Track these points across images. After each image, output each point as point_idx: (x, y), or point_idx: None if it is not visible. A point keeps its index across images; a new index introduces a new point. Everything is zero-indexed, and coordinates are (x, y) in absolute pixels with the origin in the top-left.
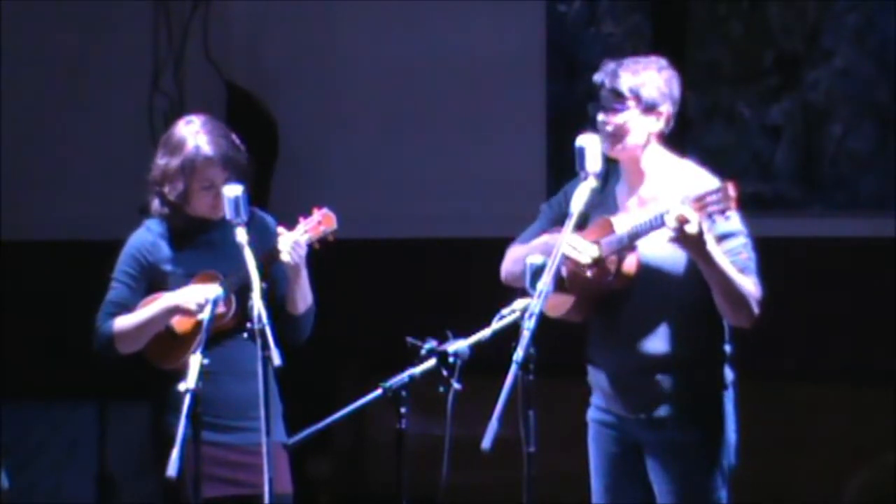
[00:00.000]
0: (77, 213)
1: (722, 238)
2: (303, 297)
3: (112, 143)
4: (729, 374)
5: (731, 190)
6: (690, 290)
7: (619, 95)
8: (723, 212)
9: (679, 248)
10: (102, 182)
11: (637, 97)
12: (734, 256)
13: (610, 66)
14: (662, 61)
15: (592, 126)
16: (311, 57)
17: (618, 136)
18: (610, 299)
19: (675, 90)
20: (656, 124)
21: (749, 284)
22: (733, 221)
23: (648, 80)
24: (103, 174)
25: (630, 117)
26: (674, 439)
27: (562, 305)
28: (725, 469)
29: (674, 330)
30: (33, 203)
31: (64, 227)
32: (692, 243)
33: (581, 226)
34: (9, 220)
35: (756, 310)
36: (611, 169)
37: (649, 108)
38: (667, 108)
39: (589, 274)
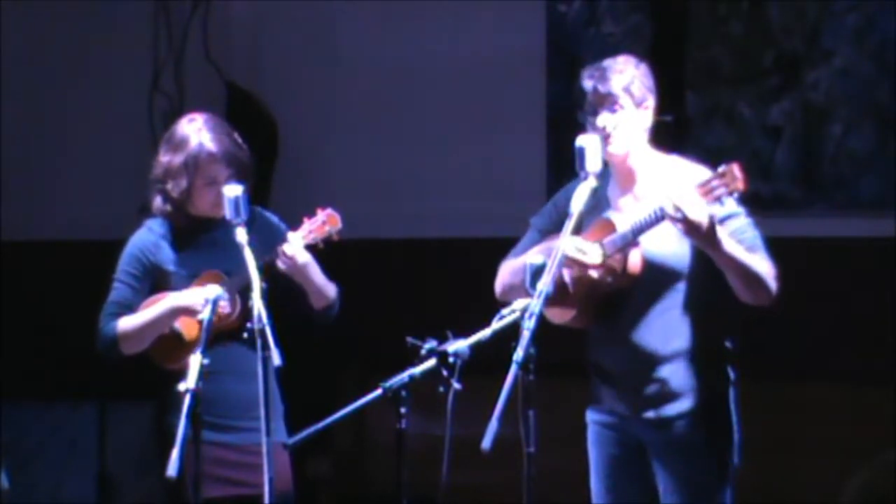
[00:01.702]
0: (77, 213)
1: (725, 220)
2: (317, 295)
3: (112, 143)
4: (731, 373)
5: (738, 170)
6: (694, 286)
7: (612, 96)
8: (731, 193)
9: (687, 240)
10: (102, 182)
11: (630, 94)
12: (741, 235)
13: (595, 71)
14: (634, 57)
15: (585, 132)
16: (311, 57)
17: (617, 136)
18: (612, 298)
19: (653, 83)
20: (647, 118)
21: (762, 262)
22: (730, 204)
23: (634, 76)
24: (103, 174)
25: (627, 115)
26: (679, 439)
27: (565, 313)
28: (730, 469)
29: (677, 327)
30: (33, 203)
31: (64, 227)
32: (700, 232)
33: (576, 230)
34: (9, 220)
35: (773, 286)
36: (601, 172)
37: (639, 104)
38: (651, 102)
39: (595, 275)
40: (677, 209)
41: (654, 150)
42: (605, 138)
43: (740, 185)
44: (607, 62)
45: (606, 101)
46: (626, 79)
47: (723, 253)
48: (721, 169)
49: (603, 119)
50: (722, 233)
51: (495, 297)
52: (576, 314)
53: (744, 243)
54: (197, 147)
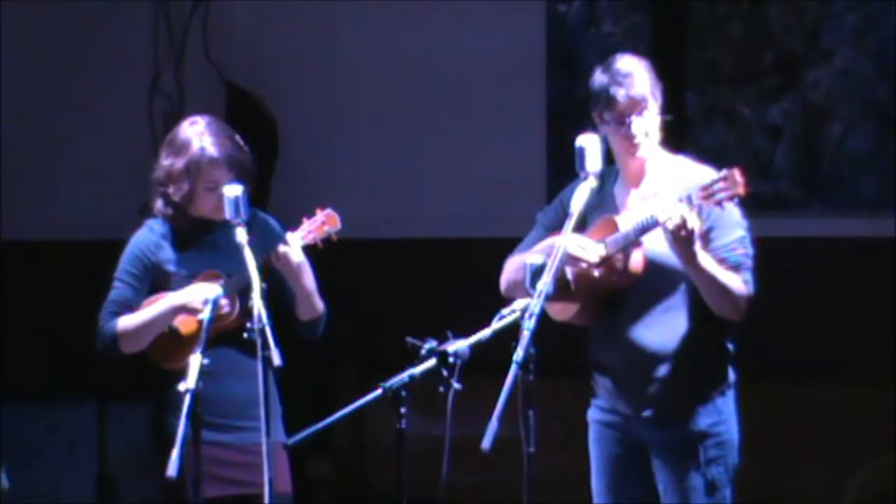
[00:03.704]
0: (77, 213)
1: (718, 230)
2: (306, 305)
3: (112, 143)
4: (731, 373)
5: (739, 175)
6: (695, 286)
7: (645, 101)
8: (732, 198)
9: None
10: (102, 182)
11: (654, 96)
12: (729, 252)
13: (620, 77)
14: (636, 56)
15: (594, 130)
16: (311, 57)
17: (647, 139)
18: (614, 296)
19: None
20: (659, 118)
21: (737, 282)
22: (734, 214)
23: (649, 77)
24: (103, 174)
25: (653, 117)
26: (679, 438)
27: (567, 310)
28: (730, 468)
29: (678, 325)
30: (33, 203)
31: (64, 227)
32: (682, 242)
33: (580, 228)
34: (9, 220)
35: (743, 306)
36: (607, 170)
37: (658, 104)
38: (660, 101)
39: (596, 273)
40: (674, 219)
41: (661, 149)
42: (637, 144)
43: (741, 189)
44: (623, 66)
45: (638, 106)
46: (648, 81)
47: (696, 267)
48: (723, 173)
49: (638, 125)
50: (698, 248)
51: (495, 297)
52: (578, 311)
53: (729, 260)
54: (199, 151)
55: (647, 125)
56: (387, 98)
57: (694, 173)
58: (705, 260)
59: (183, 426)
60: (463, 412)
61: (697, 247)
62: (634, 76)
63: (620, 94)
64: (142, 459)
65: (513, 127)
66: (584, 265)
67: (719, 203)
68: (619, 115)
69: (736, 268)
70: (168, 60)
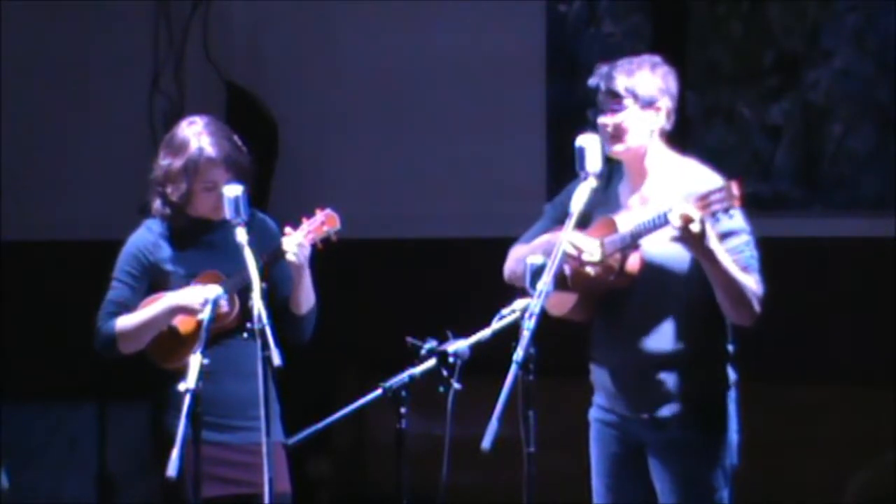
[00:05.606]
0: (77, 213)
1: (724, 236)
2: (306, 298)
3: (112, 143)
4: (731, 374)
5: (735, 188)
6: (693, 289)
7: (615, 96)
8: (726, 210)
9: (682, 247)
10: (102, 182)
11: (634, 95)
12: (736, 255)
13: (604, 68)
14: (656, 58)
15: (594, 130)
16: (311, 57)
17: (618, 135)
18: (612, 297)
19: (672, 85)
20: (656, 120)
21: (751, 282)
22: (736, 219)
23: (643, 77)
24: (103, 174)
25: (628, 116)
26: (676, 439)
27: (564, 304)
28: (728, 469)
29: (677, 328)
30: (33, 203)
31: (64, 227)
32: (695, 242)
33: (584, 225)
34: (9, 220)
35: (758, 308)
36: (614, 168)
37: (647, 105)
38: (665, 103)
39: (592, 272)
40: (677, 218)
41: (668, 150)
42: (604, 137)
43: (736, 202)
44: (623, 60)
45: (607, 99)
46: (632, 79)
47: (714, 264)
48: (720, 184)
49: (603, 119)
50: (715, 244)
51: (495, 297)
52: (574, 306)
53: (738, 262)
54: (197, 151)
55: (619, 121)
56: (387, 98)
57: (697, 177)
58: (724, 257)
59: (183, 426)
60: (463, 412)
61: (714, 243)
62: (618, 71)
63: (594, 82)
64: (142, 459)
65: (513, 127)
66: (578, 263)
67: (714, 214)
68: (598, 105)
69: (744, 269)
70: (168, 60)
